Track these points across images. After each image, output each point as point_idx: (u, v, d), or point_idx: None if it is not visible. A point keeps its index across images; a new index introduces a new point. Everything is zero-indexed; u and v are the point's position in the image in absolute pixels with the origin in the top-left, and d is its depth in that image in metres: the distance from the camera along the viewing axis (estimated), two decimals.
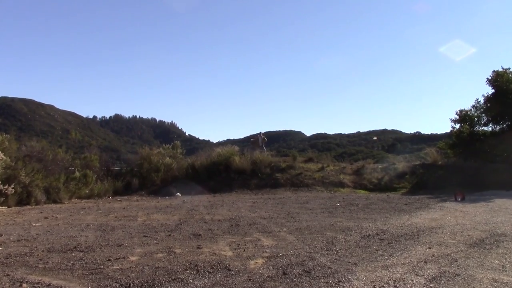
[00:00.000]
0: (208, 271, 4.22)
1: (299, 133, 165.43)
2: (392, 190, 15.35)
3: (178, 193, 15.63)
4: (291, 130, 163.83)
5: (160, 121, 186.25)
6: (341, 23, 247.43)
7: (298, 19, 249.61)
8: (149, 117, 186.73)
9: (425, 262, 4.52)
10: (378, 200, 11.85)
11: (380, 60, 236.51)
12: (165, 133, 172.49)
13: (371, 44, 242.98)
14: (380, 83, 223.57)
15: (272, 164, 18.02)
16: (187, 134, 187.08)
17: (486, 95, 17.69)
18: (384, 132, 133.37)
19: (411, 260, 4.60)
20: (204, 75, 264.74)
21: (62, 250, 5.39)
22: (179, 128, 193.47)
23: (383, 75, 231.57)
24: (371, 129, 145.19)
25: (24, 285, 3.85)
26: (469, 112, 17.83)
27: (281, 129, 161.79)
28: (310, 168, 18.06)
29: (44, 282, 3.93)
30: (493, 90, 17.31)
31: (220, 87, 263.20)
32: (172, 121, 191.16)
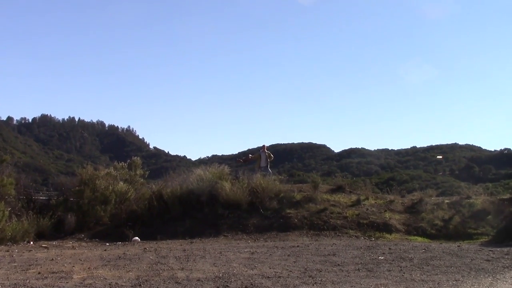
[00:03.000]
0: None
1: (323, 147, 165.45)
2: (465, 237, 15.29)
3: (137, 237, 15.56)
4: (310, 143, 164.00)
5: (111, 127, 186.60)
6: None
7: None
8: (94, 121, 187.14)
9: None
10: (443, 252, 11.78)
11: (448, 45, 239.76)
12: (118, 144, 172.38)
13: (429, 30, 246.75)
14: (446, 78, 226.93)
15: (281, 195, 17.96)
16: (151, 146, 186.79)
17: None
18: (453, 148, 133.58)
19: None
20: (178, 62, 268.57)
21: None
22: (140, 137, 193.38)
23: (450, 62, 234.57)
24: (433, 144, 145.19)
25: None
26: None
27: (294, 141, 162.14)
28: (339, 201, 18.01)
29: None
30: None
31: (203, 80, 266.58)
32: (129, 127, 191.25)
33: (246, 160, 22.29)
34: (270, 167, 21.39)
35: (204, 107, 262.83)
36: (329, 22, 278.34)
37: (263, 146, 22.02)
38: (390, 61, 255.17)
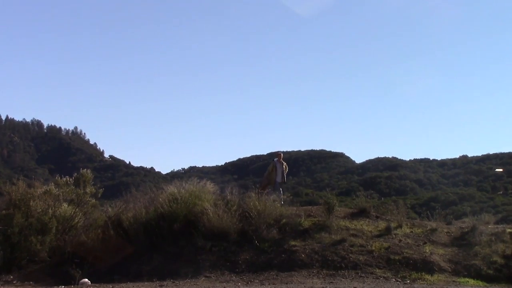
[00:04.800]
0: None
1: (340, 156, 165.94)
2: None
3: (86, 279, 15.54)
4: (322, 151, 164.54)
5: (51, 129, 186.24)
6: None
7: None
8: (28, 120, 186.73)
9: None
10: None
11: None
12: (61, 152, 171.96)
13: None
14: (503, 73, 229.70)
15: (282, 221, 18.00)
16: (106, 155, 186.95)
17: None
18: None
19: None
20: (153, 54, 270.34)
21: None
22: (91, 143, 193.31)
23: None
24: (490, 152, 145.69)
25: None
26: None
27: (301, 149, 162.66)
28: (363, 230, 18.05)
29: None
30: None
31: (181, 77, 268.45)
32: (76, 128, 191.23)
33: (267, 184, 22.06)
34: (282, 186, 21.64)
35: (180, 108, 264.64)
36: (337, 28, 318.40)
37: (279, 154, 22.00)
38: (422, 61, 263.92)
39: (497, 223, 20.53)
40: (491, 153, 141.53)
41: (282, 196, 20.26)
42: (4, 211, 17.78)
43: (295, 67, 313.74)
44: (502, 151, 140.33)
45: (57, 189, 18.86)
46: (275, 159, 21.87)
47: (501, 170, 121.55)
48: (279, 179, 21.29)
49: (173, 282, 15.07)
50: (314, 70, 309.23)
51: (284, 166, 21.54)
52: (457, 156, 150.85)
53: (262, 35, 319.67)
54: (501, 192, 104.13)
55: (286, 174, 22.06)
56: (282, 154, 22.05)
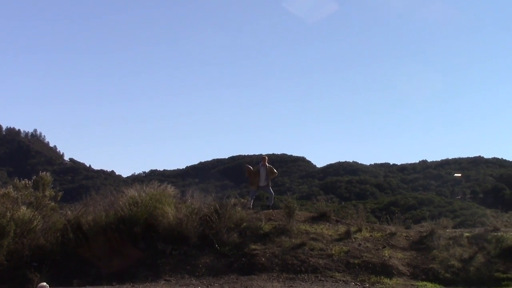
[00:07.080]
0: None
1: (301, 161, 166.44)
2: (491, 283, 15.44)
3: (44, 283, 15.28)
4: (283, 155, 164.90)
5: (10, 131, 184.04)
6: None
7: None
8: None
9: None
10: None
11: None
12: (20, 155, 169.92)
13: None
14: (466, 81, 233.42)
15: (243, 225, 17.99)
16: (66, 158, 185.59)
17: None
18: (476, 163, 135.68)
19: None
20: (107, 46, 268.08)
21: None
22: (50, 146, 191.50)
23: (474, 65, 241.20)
24: (449, 157, 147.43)
25: None
26: None
27: (262, 152, 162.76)
28: (323, 233, 18.11)
29: None
30: None
31: (141, 80, 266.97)
32: (35, 131, 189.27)
33: (250, 173, 21.93)
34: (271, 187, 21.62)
35: (141, 111, 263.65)
36: (332, 34, 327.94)
37: (264, 158, 21.81)
38: (394, 66, 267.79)
39: (455, 227, 20.75)
40: (450, 158, 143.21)
41: (273, 200, 20.55)
42: None
43: (257, 71, 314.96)
44: (461, 156, 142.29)
45: (15, 192, 18.57)
46: (260, 164, 21.71)
47: (459, 175, 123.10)
48: (262, 182, 21.13)
49: (133, 286, 15.00)
50: (274, 75, 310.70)
51: (268, 169, 21.27)
52: (417, 161, 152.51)
53: (247, 36, 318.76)
54: (459, 197, 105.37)
55: (274, 177, 22.07)
56: (266, 158, 21.83)
